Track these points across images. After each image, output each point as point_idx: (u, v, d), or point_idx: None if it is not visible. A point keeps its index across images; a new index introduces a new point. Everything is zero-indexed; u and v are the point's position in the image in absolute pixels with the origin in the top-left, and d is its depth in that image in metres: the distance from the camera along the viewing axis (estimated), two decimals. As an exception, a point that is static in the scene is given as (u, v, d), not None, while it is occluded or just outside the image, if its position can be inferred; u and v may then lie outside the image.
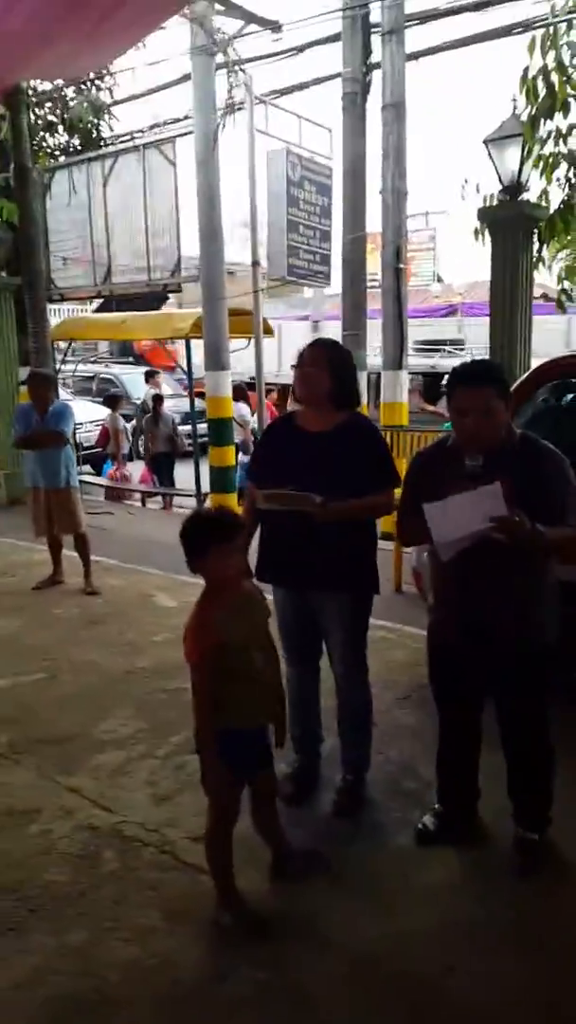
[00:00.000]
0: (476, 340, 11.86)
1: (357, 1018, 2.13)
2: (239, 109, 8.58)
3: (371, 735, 3.14)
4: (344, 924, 2.45)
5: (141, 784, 3.28)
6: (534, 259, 6.03)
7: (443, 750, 2.89)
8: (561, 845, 2.76)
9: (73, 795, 3.19)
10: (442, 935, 2.41)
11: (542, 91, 5.60)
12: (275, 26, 7.91)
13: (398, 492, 2.88)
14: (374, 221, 8.07)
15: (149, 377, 12.21)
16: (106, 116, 12.89)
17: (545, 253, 6.05)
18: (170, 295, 10.48)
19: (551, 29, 5.69)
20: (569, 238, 6.08)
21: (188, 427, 10.19)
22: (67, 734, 3.71)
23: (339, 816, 3.00)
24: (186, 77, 8.69)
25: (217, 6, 7.59)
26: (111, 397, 11.26)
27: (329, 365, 2.91)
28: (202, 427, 9.45)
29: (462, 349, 12.92)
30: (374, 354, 9.31)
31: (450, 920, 2.47)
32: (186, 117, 9.20)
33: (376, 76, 7.96)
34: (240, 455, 9.52)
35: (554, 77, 5.59)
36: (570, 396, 4.22)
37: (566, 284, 6.01)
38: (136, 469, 11.05)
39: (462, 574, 2.60)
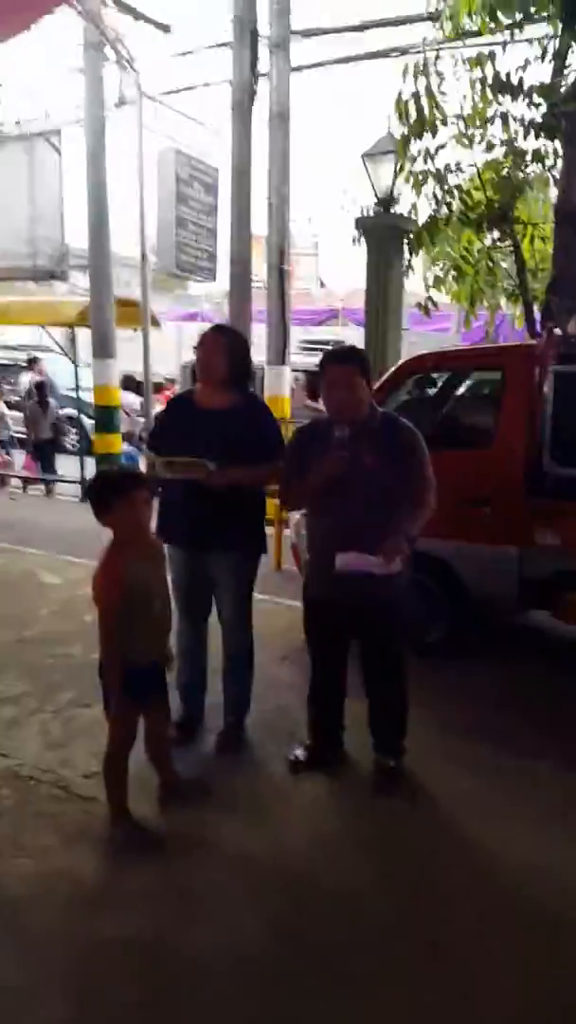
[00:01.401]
0: (355, 342, 12.46)
1: (238, 909, 2.42)
2: (124, 104, 8.78)
3: (251, 681, 3.47)
4: (225, 838, 2.76)
5: (34, 734, 3.48)
6: (404, 268, 6.60)
7: (314, 689, 3.27)
8: (414, 771, 3.18)
9: (-32, 745, 3.36)
10: (313, 843, 2.76)
11: (413, 114, 6.12)
12: (164, 27, 8.19)
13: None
14: (261, 225, 8.45)
15: (31, 364, 12.08)
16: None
17: (416, 263, 6.63)
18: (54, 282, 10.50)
19: (423, 56, 6.23)
20: (437, 250, 6.66)
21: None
22: (-41, 696, 3.85)
23: (221, 753, 3.32)
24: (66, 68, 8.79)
25: (109, 3, 7.78)
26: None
27: (226, 348, 3.23)
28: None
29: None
30: (258, 353, 9.72)
31: (319, 831, 2.84)
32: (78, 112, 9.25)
33: (264, 84, 8.34)
34: (126, 444, 9.69)
35: (424, 102, 6.12)
36: (430, 389, 4.75)
37: (432, 292, 6.61)
38: (19, 457, 10.97)
39: (330, 536, 3.00)
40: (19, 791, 3.03)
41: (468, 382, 4.81)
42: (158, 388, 10.73)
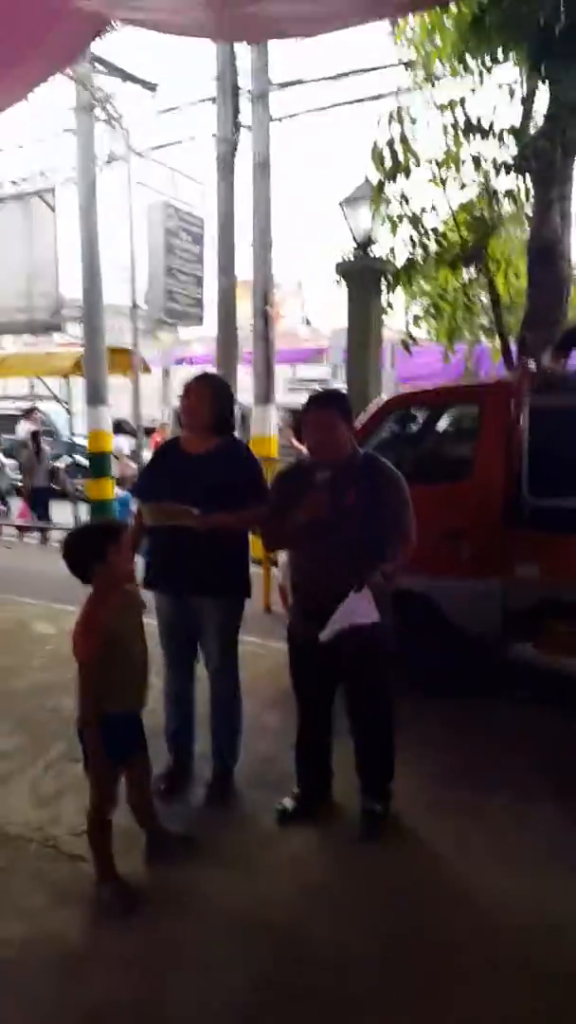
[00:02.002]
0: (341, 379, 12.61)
1: (227, 966, 2.39)
2: (114, 160, 9.04)
3: (240, 730, 3.45)
4: (213, 893, 2.74)
5: (24, 791, 3.46)
6: (384, 307, 6.75)
7: (300, 737, 3.26)
8: (401, 815, 3.16)
9: (-43, 803, 3.34)
10: (301, 895, 2.74)
11: (388, 160, 6.27)
12: (151, 86, 8.47)
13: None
14: (246, 270, 8.65)
15: (26, 414, 12.22)
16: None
17: (396, 301, 6.79)
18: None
19: (396, 105, 6.39)
20: (414, 288, 6.79)
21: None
22: (-50, 752, 3.83)
23: (210, 805, 3.30)
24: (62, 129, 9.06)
25: (99, 67, 8.08)
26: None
27: (210, 397, 3.31)
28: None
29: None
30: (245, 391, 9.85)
31: (307, 883, 2.81)
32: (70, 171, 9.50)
33: (246, 135, 8.57)
34: (117, 488, 9.77)
35: (398, 147, 6.27)
36: (412, 425, 4.81)
37: (412, 329, 6.74)
38: (17, 505, 11.06)
39: (313, 576, 3.03)
40: (8, 851, 3.00)
41: (447, 418, 4.87)
42: (149, 432, 10.87)
